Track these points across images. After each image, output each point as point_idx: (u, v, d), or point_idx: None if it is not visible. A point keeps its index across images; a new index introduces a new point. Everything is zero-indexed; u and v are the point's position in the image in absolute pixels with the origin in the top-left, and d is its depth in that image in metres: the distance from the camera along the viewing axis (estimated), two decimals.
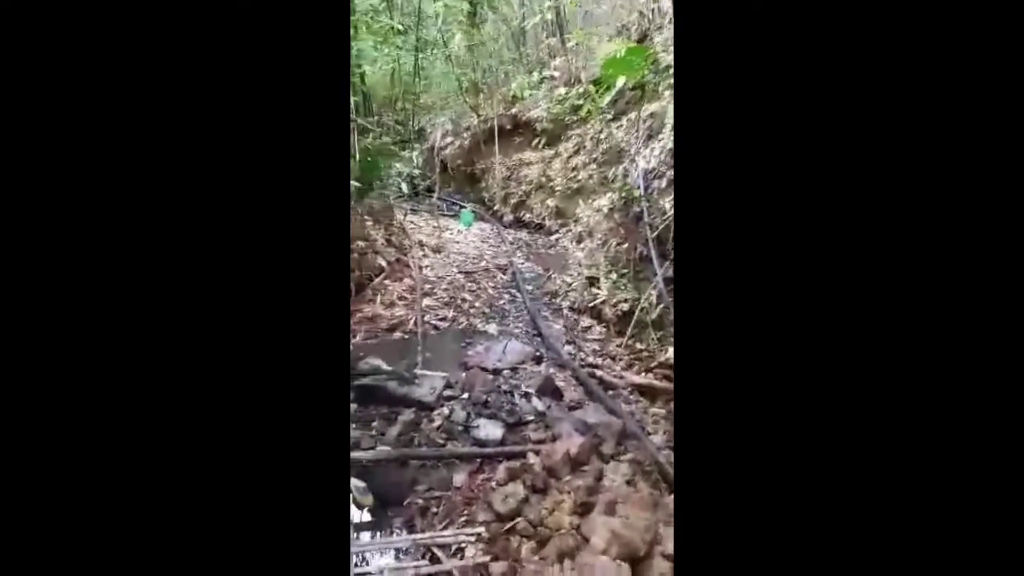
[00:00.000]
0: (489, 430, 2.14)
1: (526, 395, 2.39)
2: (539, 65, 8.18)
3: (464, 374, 2.59)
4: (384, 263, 4.82)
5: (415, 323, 3.94)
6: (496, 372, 3.21)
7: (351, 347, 3.56)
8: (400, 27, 6.72)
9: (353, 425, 2.12)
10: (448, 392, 2.40)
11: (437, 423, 2.20)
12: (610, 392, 2.83)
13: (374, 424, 2.31)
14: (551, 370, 3.11)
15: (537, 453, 1.93)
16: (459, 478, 1.94)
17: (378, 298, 4.34)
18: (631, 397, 2.76)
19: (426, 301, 4.44)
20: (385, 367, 2.46)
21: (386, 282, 4.66)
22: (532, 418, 2.25)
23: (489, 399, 2.31)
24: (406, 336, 3.79)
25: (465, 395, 2.37)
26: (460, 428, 2.17)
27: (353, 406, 2.26)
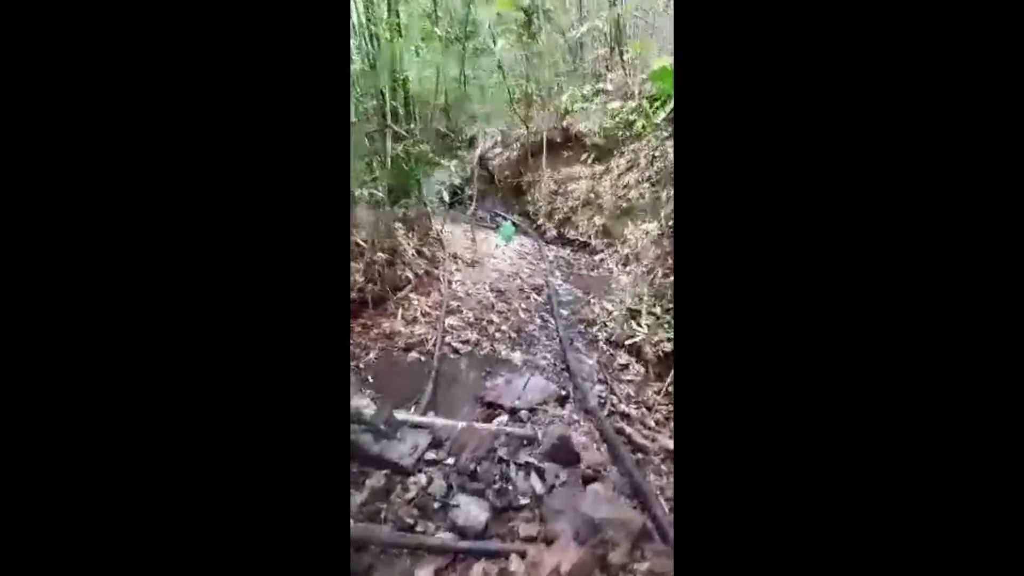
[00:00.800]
0: (471, 512, 1.70)
1: (525, 467, 1.96)
2: (594, 78, 7.85)
3: (458, 428, 2.21)
4: (412, 275, 4.59)
5: (434, 344, 3.65)
6: (513, 412, 2.86)
7: (360, 366, 3.31)
8: (449, 33, 6.58)
9: None
10: (431, 455, 2.02)
11: (411, 494, 1.77)
12: (638, 456, 2.40)
13: None
14: (573, 421, 2.71)
15: (523, 556, 1.54)
16: (423, 574, 1.55)
17: (400, 312, 4.09)
18: (662, 467, 2.32)
19: (450, 320, 4.14)
20: (366, 411, 2.13)
21: (411, 296, 4.41)
22: (527, 501, 1.81)
23: (479, 468, 1.91)
24: (422, 359, 3.51)
25: (451, 459, 1.99)
26: (437, 505, 1.76)
27: None
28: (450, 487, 1.79)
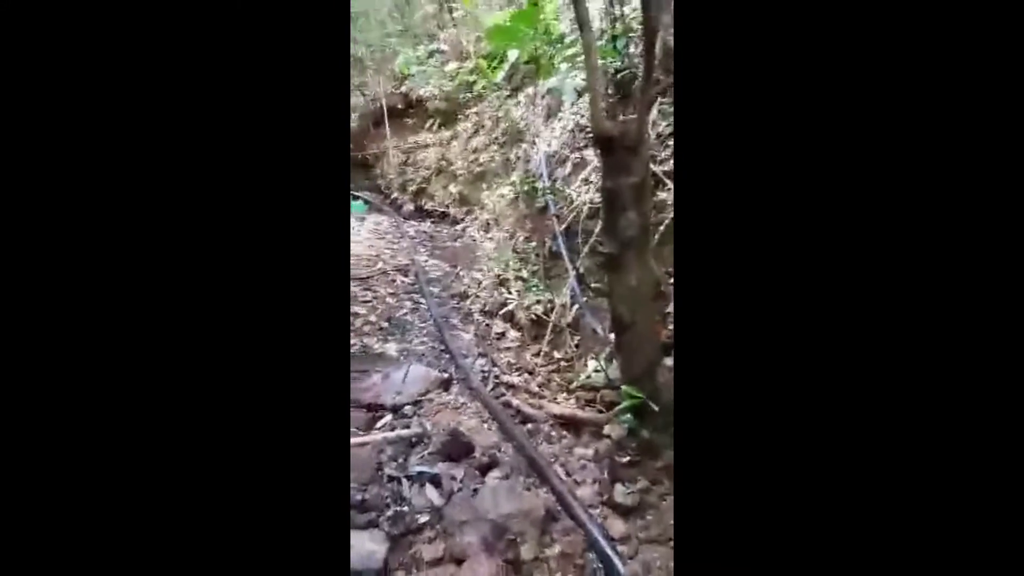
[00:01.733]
0: (366, 550, 1.54)
1: (419, 479, 1.84)
2: (427, 38, 7.47)
3: None
4: None
5: None
6: (396, 409, 2.70)
7: None
8: None
9: None
10: None
11: None
12: (528, 426, 2.43)
13: None
14: (460, 404, 2.65)
15: None
16: None
17: None
18: (552, 434, 2.38)
19: None
20: None
21: None
22: (426, 519, 1.70)
23: (366, 496, 1.75)
24: None
25: None
26: None
27: None
28: None
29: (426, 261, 5.32)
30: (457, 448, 2.06)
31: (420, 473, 1.85)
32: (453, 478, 1.86)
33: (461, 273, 4.83)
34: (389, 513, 1.67)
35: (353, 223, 6.33)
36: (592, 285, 3.17)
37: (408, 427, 2.50)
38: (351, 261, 5.08)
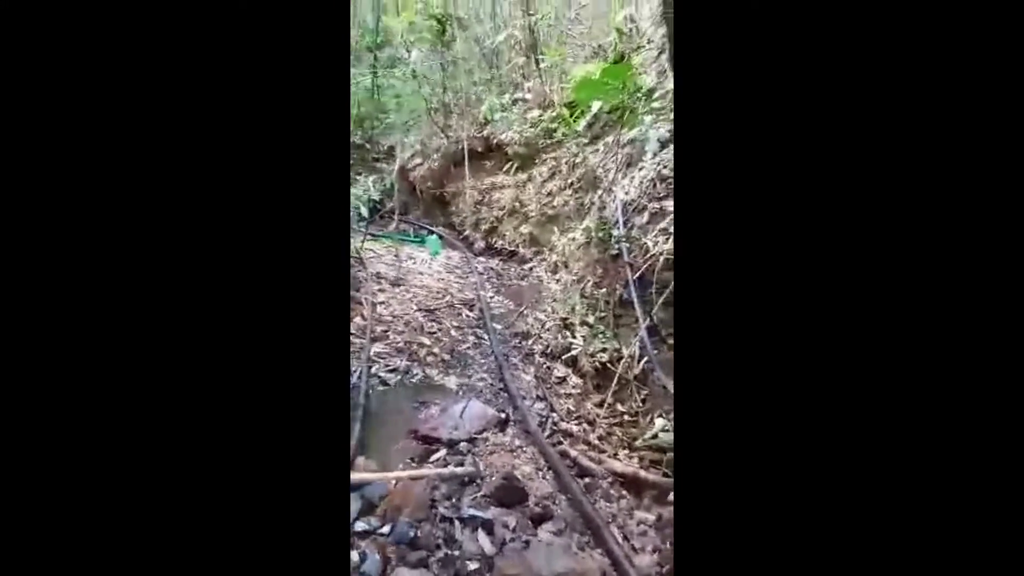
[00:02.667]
0: None
1: (471, 522, 1.77)
2: (512, 86, 7.83)
3: (391, 485, 1.98)
4: None
5: (360, 376, 3.36)
6: (451, 444, 2.67)
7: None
8: (360, 44, 6.27)
9: None
10: (362, 525, 1.75)
11: None
12: (586, 480, 2.30)
13: None
14: (516, 447, 2.57)
15: None
16: None
17: None
18: (611, 492, 2.23)
19: (376, 347, 3.86)
20: None
21: None
22: (476, 566, 1.59)
23: (418, 533, 1.71)
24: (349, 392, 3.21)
25: (386, 528, 1.75)
26: None
27: None
28: (387, 563, 1.55)
29: (492, 297, 5.38)
30: (510, 494, 1.98)
31: (473, 517, 1.78)
32: (505, 526, 1.77)
33: (525, 312, 4.82)
34: (440, 555, 1.61)
35: (427, 257, 6.56)
36: (665, 339, 3.03)
37: (462, 464, 2.45)
38: (421, 292, 5.23)
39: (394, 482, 1.97)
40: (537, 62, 6.95)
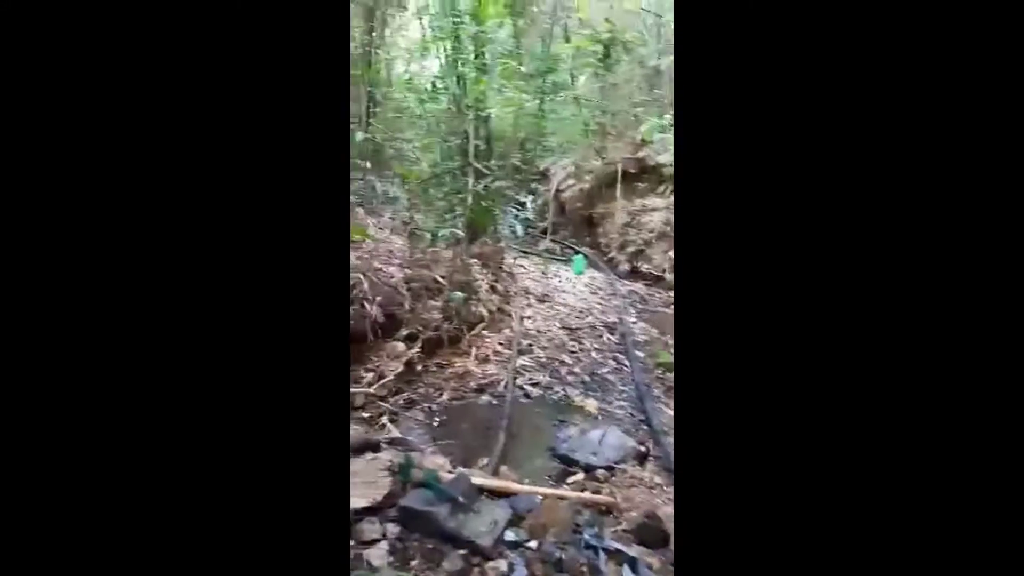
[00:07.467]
0: None
1: (616, 555, 1.77)
2: (672, 108, 7.64)
3: (538, 501, 2.06)
4: (485, 312, 4.57)
5: (505, 386, 3.57)
6: (588, 469, 2.70)
7: (432, 407, 3.29)
8: (530, 70, 6.68)
9: (390, 560, 1.73)
10: (510, 535, 1.84)
11: None
12: None
13: (412, 565, 1.67)
14: (655, 484, 2.50)
15: None
16: None
17: (473, 351, 4.06)
18: None
19: (522, 360, 4.06)
20: (443, 474, 2.03)
21: (484, 333, 4.38)
22: None
23: (564, 556, 1.75)
24: (494, 402, 3.44)
25: (533, 542, 1.83)
26: None
27: (395, 529, 1.77)
28: None
29: (634, 323, 5.28)
30: (652, 534, 1.94)
31: (619, 551, 1.79)
32: (649, 567, 1.75)
33: (669, 342, 4.64)
34: None
35: (571, 276, 6.69)
36: None
37: (599, 491, 2.46)
38: (564, 311, 5.36)
39: (540, 498, 2.07)
40: None
